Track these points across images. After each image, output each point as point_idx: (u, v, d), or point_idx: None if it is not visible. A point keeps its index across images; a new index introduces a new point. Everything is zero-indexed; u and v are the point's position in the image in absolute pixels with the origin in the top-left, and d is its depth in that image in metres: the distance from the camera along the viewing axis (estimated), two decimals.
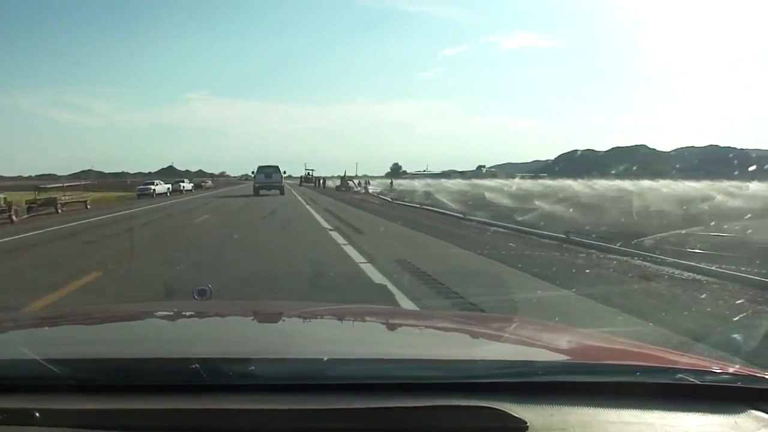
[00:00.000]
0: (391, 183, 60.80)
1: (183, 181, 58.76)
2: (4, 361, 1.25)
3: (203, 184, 75.38)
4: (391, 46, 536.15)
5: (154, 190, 44.26)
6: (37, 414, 1.03)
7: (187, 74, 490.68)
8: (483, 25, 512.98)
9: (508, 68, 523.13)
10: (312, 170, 72.77)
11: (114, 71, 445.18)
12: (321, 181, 63.58)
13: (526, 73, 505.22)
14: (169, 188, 48.86)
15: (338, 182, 56.44)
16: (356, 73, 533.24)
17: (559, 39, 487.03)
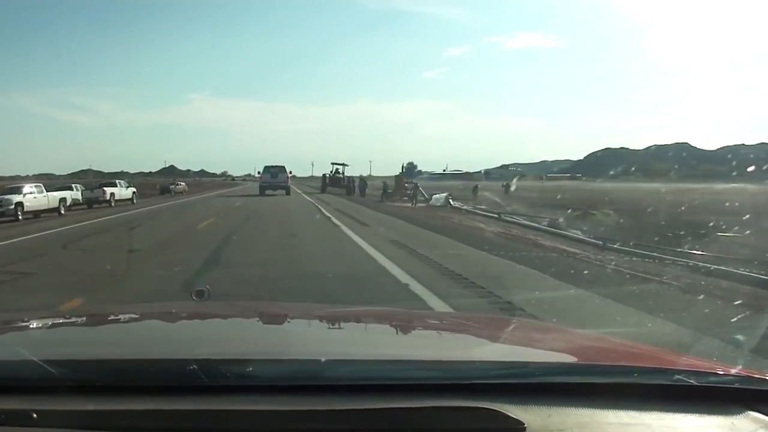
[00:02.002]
0: (507, 187, 34.69)
1: (112, 185, 31.84)
2: (2, 362, 1.24)
3: (172, 187, 52.53)
4: (394, 46, 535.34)
5: (18, 205, 21.11)
6: (35, 415, 1.03)
7: (190, 74, 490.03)
8: (486, 26, 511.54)
9: (512, 68, 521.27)
10: (344, 165, 48.73)
11: (116, 71, 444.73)
12: (357, 184, 39.95)
13: (531, 73, 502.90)
14: (64, 201, 24.86)
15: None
16: (359, 74, 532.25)
17: (562, 39, 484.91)
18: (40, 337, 1.69)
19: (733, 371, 1.21)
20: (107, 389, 1.13)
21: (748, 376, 1.19)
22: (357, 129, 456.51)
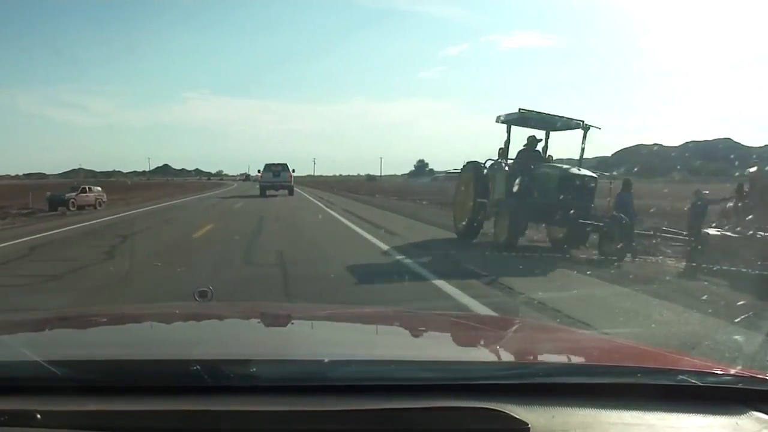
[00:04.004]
0: None
1: None
2: (5, 362, 1.24)
3: (72, 197, 25.82)
4: (391, 45, 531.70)
5: None
6: (39, 415, 1.03)
7: (186, 73, 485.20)
8: (483, 25, 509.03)
9: (510, 67, 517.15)
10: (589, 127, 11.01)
11: (111, 70, 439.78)
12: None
13: (529, 72, 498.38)
14: None
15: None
16: (356, 72, 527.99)
17: (560, 38, 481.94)
18: (44, 337, 1.69)
19: (736, 372, 1.21)
20: (111, 390, 1.13)
21: (751, 376, 1.19)
22: (354, 128, 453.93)
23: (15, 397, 1.09)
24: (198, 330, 1.83)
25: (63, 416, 1.04)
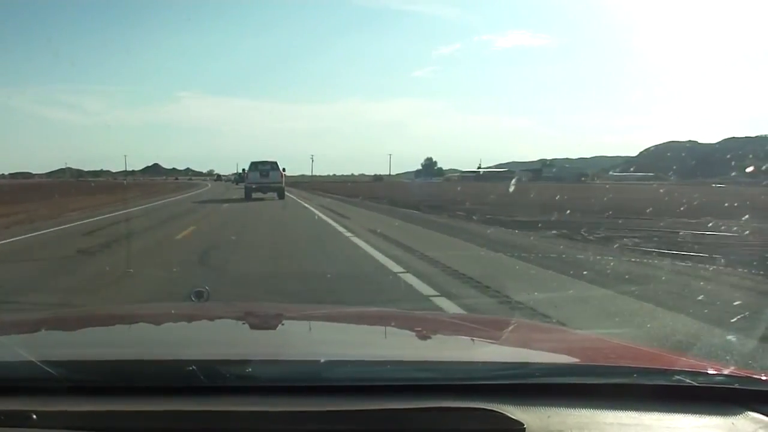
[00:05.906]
0: None
1: None
2: (1, 362, 1.24)
3: None
4: (385, 44, 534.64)
5: None
6: (34, 416, 1.03)
7: (180, 72, 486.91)
8: (476, 24, 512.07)
9: (503, 67, 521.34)
10: None
11: (105, 69, 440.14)
12: None
13: (522, 72, 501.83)
14: None
15: None
16: (350, 72, 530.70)
17: (552, 38, 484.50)
18: (40, 337, 1.68)
19: (732, 372, 1.21)
20: (106, 390, 1.13)
21: (747, 376, 1.20)
22: (350, 127, 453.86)
23: (10, 398, 1.09)
24: (194, 330, 1.83)
25: (59, 416, 1.04)
